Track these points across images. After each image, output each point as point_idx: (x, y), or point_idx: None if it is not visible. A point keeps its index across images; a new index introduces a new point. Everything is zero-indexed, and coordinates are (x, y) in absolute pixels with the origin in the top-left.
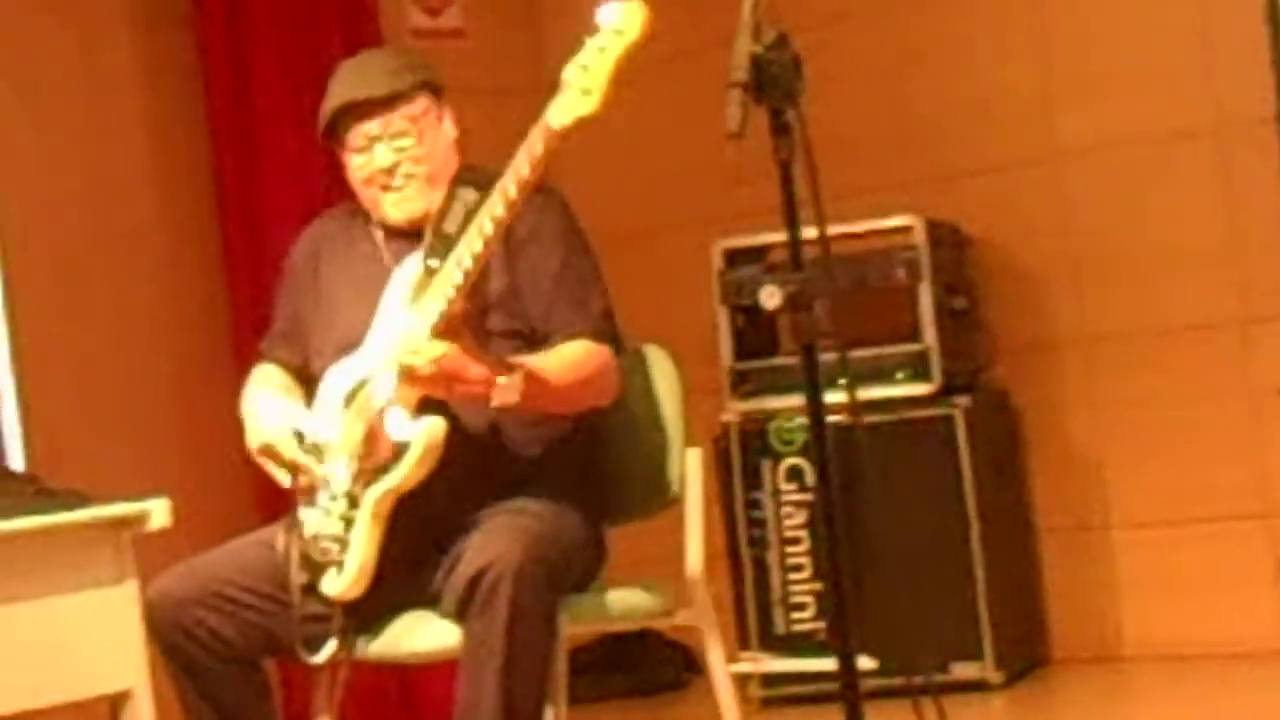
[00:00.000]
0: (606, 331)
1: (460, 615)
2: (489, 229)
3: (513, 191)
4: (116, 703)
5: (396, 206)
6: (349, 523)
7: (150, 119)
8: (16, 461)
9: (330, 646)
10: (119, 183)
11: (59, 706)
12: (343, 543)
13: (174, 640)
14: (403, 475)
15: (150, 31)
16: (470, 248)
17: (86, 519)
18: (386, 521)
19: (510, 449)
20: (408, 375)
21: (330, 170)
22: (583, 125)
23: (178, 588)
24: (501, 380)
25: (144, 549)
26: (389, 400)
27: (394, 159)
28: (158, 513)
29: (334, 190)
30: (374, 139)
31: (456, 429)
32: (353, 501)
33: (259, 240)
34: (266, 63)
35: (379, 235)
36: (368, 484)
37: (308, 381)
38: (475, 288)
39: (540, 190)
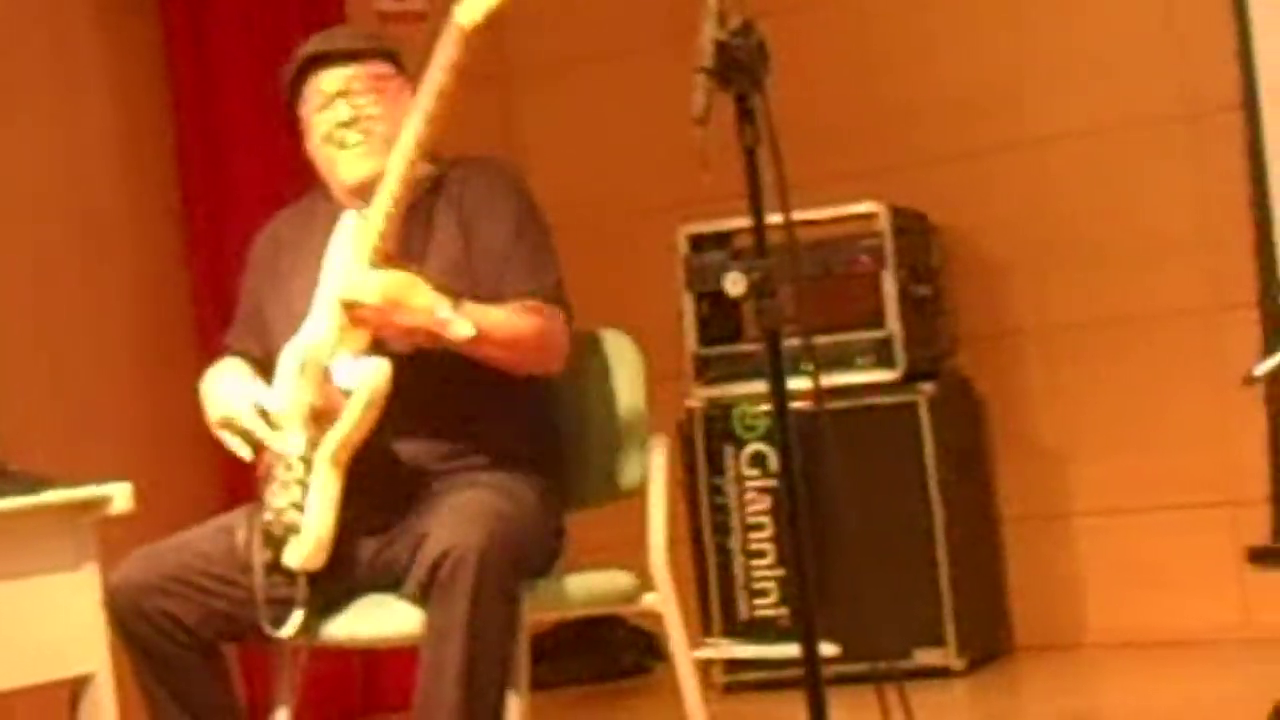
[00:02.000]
0: (558, 298)
1: (422, 599)
2: (410, 147)
3: (431, 104)
4: (77, 687)
5: (350, 165)
6: (305, 487)
7: (116, 108)
8: None
9: (296, 619)
10: (85, 171)
11: (19, 690)
12: (300, 507)
13: (134, 627)
14: (352, 421)
15: (116, 19)
16: (395, 171)
17: (47, 502)
18: (344, 478)
19: (468, 407)
20: (350, 311)
21: (295, 156)
22: (492, 17)
23: (138, 574)
24: (443, 313)
25: (106, 534)
26: (333, 351)
27: (352, 113)
28: (119, 497)
29: (300, 178)
30: (335, 94)
31: (405, 375)
32: (308, 466)
33: (223, 229)
34: (231, 50)
35: (340, 212)
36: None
37: (270, 373)
38: (424, 253)
39: (489, 162)
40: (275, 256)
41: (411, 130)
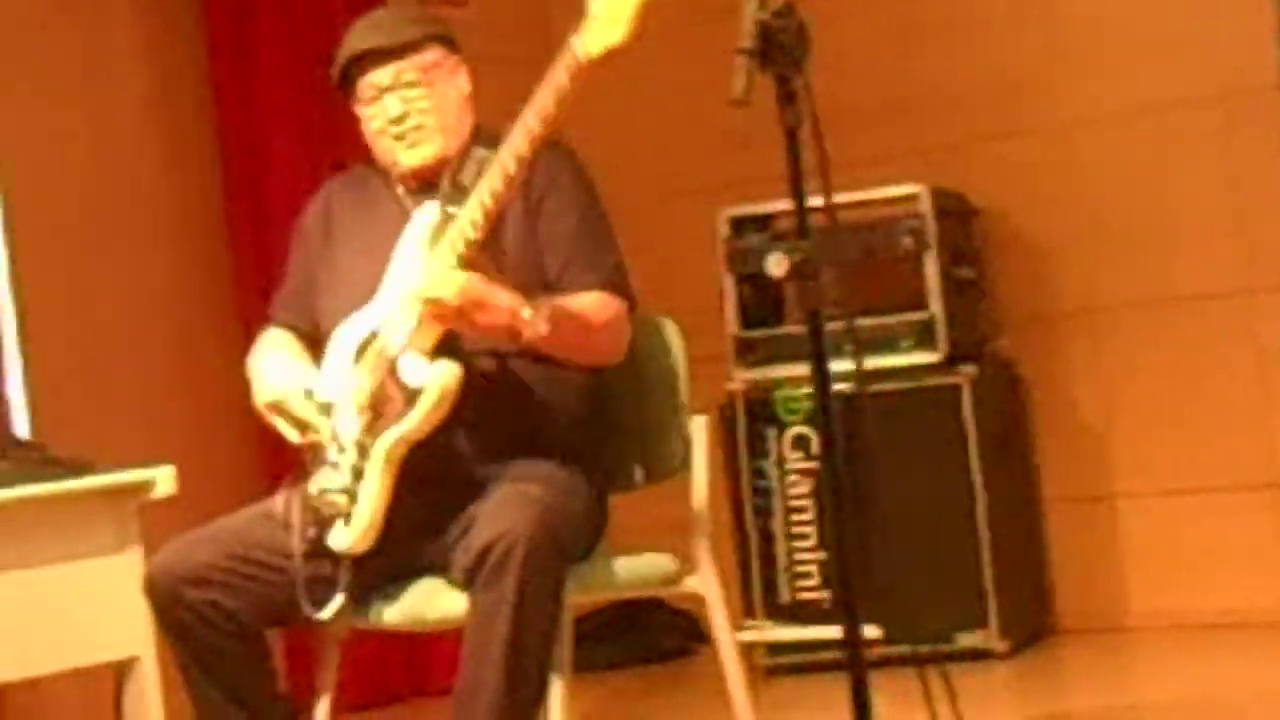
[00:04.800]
0: (621, 286)
1: (468, 585)
2: (511, 166)
3: (536, 127)
4: (122, 670)
5: (408, 152)
6: (358, 473)
7: (153, 86)
8: (22, 429)
9: (336, 602)
10: (123, 150)
11: (64, 674)
12: (351, 494)
13: (175, 615)
14: (417, 420)
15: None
16: (492, 184)
17: (91, 487)
18: (398, 471)
19: (522, 401)
20: (433, 308)
21: (335, 134)
22: (612, 56)
23: (176, 563)
24: (526, 313)
25: (149, 517)
26: (403, 346)
27: (402, 108)
28: (163, 480)
29: (341, 154)
30: (384, 89)
31: (470, 378)
32: (363, 451)
33: (263, 205)
34: (271, 26)
35: (399, 190)
36: (379, 433)
37: (316, 346)
38: (490, 241)
39: (554, 145)
40: (326, 227)
41: (512, 151)
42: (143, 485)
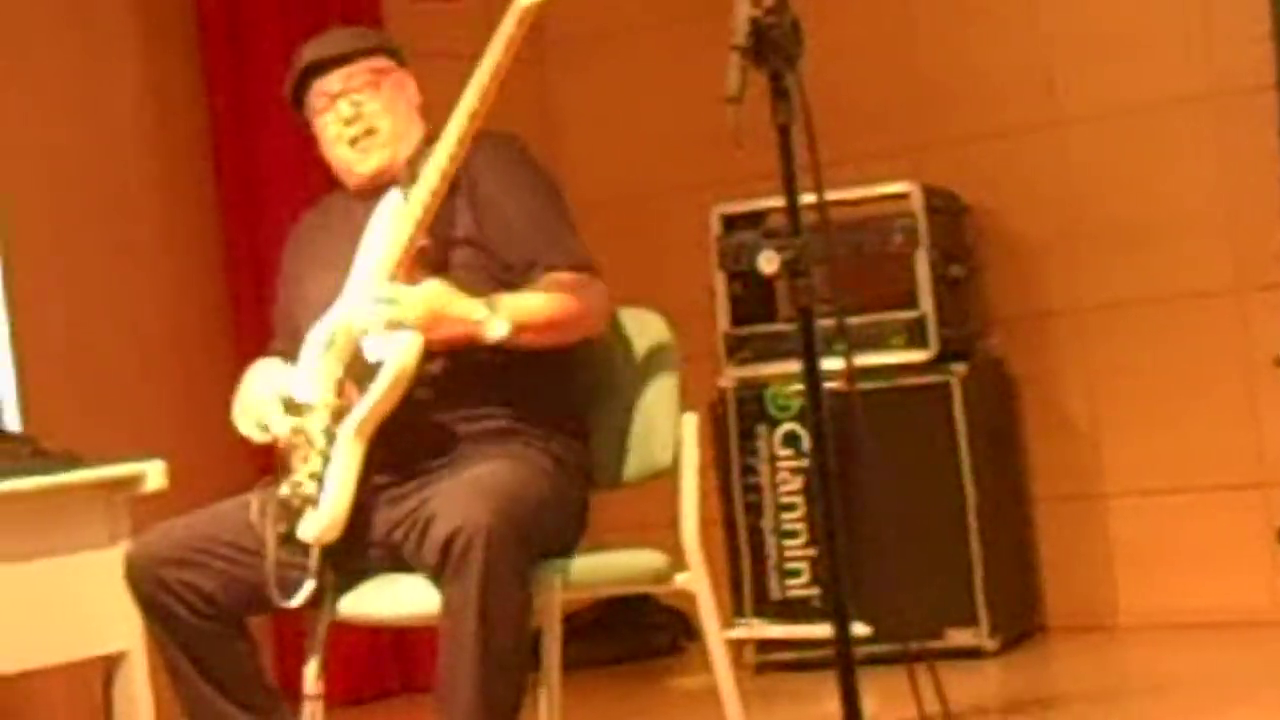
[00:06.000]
0: (585, 262)
1: (436, 579)
2: (464, 123)
3: (487, 79)
4: (111, 664)
5: (362, 159)
6: (327, 459)
7: (147, 82)
8: (13, 423)
9: (307, 588)
10: (115, 146)
11: (54, 667)
12: (319, 478)
13: (155, 597)
14: (379, 394)
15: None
16: (447, 145)
17: (82, 480)
18: (366, 450)
19: (486, 360)
20: (394, 328)
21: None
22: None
23: (156, 545)
24: (481, 315)
25: (140, 512)
26: (367, 326)
27: (353, 110)
28: (153, 474)
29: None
30: (334, 95)
31: (437, 353)
32: (331, 438)
33: (256, 203)
34: (264, 24)
35: (358, 201)
36: (346, 416)
37: None
38: (437, 229)
39: (496, 135)
40: (298, 256)
41: (466, 106)
42: (133, 479)
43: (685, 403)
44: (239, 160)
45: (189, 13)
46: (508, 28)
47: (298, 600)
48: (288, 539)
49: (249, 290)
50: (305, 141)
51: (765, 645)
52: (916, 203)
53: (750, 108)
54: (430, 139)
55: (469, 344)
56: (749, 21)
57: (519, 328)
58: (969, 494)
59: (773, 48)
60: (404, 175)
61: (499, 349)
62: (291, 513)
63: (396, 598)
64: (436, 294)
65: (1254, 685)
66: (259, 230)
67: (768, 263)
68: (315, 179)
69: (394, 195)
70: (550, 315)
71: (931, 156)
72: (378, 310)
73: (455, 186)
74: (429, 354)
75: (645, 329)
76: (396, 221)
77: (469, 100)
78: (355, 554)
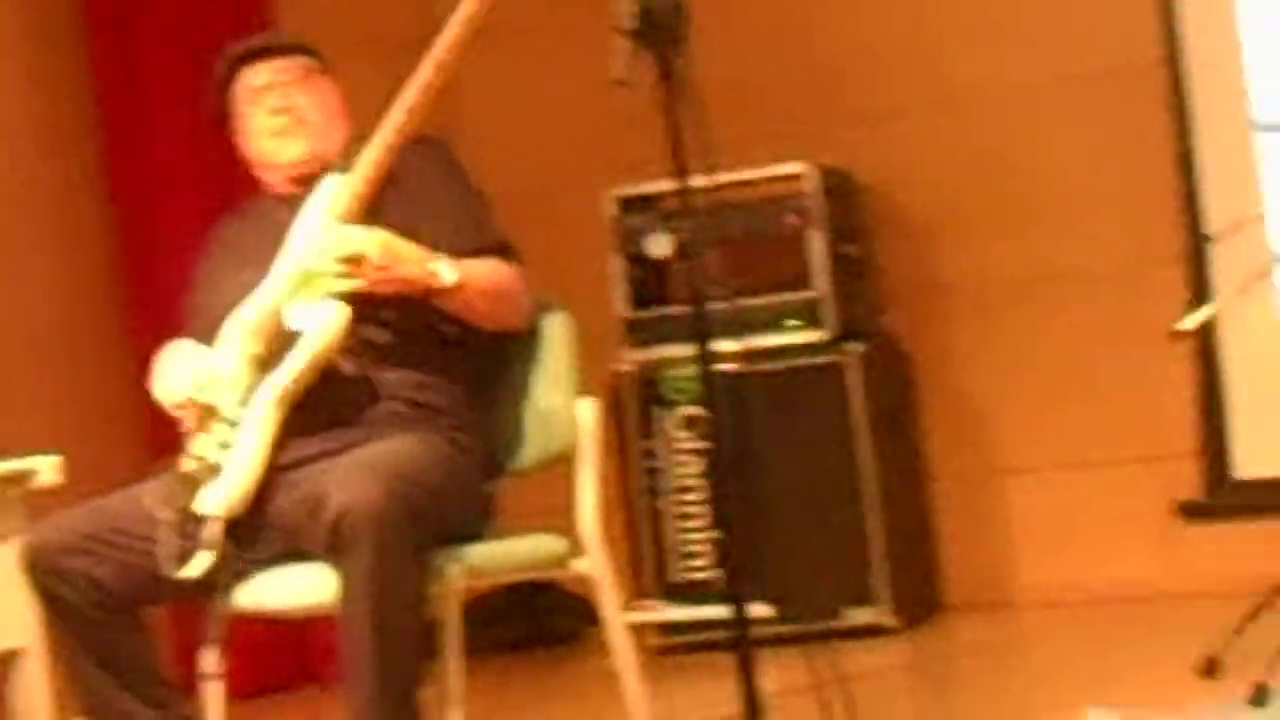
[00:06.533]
0: (513, 255)
1: (329, 561)
2: (417, 96)
3: (444, 54)
4: (6, 661)
5: (286, 145)
6: (236, 426)
7: (30, 76)
8: None
9: (202, 560)
10: (6, 147)
11: None
12: (227, 445)
13: (51, 588)
14: (305, 360)
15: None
16: (395, 118)
17: None
18: (282, 420)
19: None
20: (353, 265)
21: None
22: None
23: (52, 535)
24: (432, 264)
25: (36, 509)
26: (290, 300)
27: (283, 102)
28: (46, 470)
29: (227, 151)
30: (263, 87)
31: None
32: (245, 408)
33: (147, 197)
34: (152, 13)
35: (283, 194)
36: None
37: None
38: (371, 219)
39: (425, 139)
40: (215, 256)
41: (418, 82)
42: (25, 474)
43: (583, 387)
44: (129, 154)
45: (75, 5)
46: (466, 4)
47: (191, 571)
48: (187, 515)
49: (140, 286)
50: (198, 135)
51: (667, 628)
52: (810, 183)
53: (646, 91)
54: (356, 139)
55: (417, 293)
56: (636, 4)
57: (463, 281)
58: (866, 473)
59: (660, 30)
60: (338, 166)
61: (431, 324)
62: (192, 486)
63: (294, 587)
64: (390, 236)
65: (1150, 657)
66: (150, 225)
67: (658, 246)
68: (207, 173)
69: (333, 180)
70: (491, 280)
71: (825, 136)
72: (340, 238)
73: (389, 179)
74: (375, 309)
75: (543, 314)
76: (340, 189)
77: (424, 73)
78: (255, 538)
